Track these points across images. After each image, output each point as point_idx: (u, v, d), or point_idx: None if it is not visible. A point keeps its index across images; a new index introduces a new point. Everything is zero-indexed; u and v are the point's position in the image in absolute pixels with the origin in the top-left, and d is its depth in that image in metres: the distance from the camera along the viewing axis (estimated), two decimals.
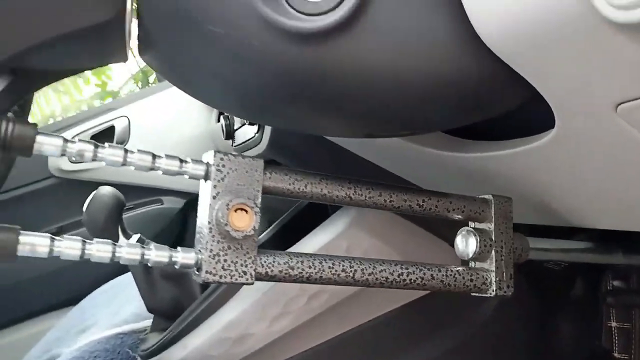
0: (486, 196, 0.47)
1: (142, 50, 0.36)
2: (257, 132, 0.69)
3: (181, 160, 0.37)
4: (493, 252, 0.46)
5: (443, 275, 0.44)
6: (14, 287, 1.28)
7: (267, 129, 0.67)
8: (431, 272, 0.43)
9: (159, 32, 0.34)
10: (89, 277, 1.25)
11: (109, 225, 0.67)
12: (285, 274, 0.38)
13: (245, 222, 0.36)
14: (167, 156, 0.37)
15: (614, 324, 0.75)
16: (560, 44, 0.28)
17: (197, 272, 0.36)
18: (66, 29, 0.32)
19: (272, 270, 0.38)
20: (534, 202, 0.50)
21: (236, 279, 0.36)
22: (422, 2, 0.32)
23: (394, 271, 0.42)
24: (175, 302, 0.72)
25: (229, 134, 0.84)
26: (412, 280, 0.42)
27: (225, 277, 0.36)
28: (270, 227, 0.87)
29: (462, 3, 0.31)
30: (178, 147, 1.36)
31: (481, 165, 0.48)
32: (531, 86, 0.33)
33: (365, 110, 0.36)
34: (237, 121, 0.82)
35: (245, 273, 0.36)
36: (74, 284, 1.29)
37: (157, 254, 0.35)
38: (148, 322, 0.81)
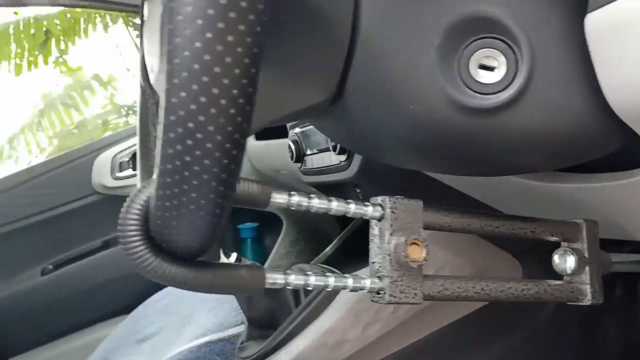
0: (577, 220, 0.56)
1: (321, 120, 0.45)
2: (345, 160, 0.77)
3: (358, 204, 0.45)
4: (587, 267, 0.55)
5: (552, 288, 0.53)
6: (65, 299, 1.34)
7: (357, 157, 0.75)
8: (544, 286, 0.52)
9: (360, 109, 0.42)
10: (136, 288, 1.32)
11: (213, 247, 0.75)
12: (442, 293, 0.47)
13: (418, 253, 0.44)
14: (340, 200, 0.45)
15: None
16: None
17: (378, 295, 0.45)
18: (296, 107, 0.40)
19: (432, 291, 0.46)
20: (613, 223, 0.60)
21: (409, 300, 0.45)
22: (568, 80, 0.41)
23: (518, 288, 0.51)
24: (270, 312, 0.80)
25: (299, 157, 0.92)
26: (531, 294, 0.52)
27: (402, 299, 0.44)
28: (333, 243, 0.96)
29: (598, 80, 0.40)
30: None
31: (570, 194, 0.57)
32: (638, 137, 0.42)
33: (508, 164, 0.45)
34: (308, 147, 0.91)
35: (416, 295, 0.45)
36: (122, 294, 1.36)
37: (352, 281, 0.43)
38: (233, 331, 0.89)
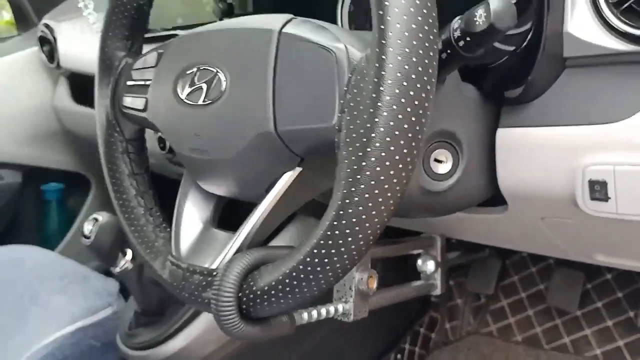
0: (434, 235, 0.80)
1: None
2: None
3: None
4: (439, 269, 0.79)
5: (415, 287, 0.76)
6: None
7: None
8: (410, 287, 0.75)
9: None
10: None
11: (115, 249, 0.79)
12: (374, 306, 0.65)
13: (373, 283, 0.61)
14: None
15: None
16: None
17: (344, 315, 0.60)
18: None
19: (371, 306, 0.64)
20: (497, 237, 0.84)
21: (363, 315, 0.62)
22: (482, 172, 0.61)
23: (397, 290, 0.72)
24: (160, 301, 0.86)
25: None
26: (404, 293, 0.73)
27: (359, 316, 0.61)
28: None
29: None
30: (17, 120, 1.32)
31: (472, 218, 0.79)
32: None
33: (447, 212, 0.64)
34: None
35: (366, 310, 0.62)
36: None
37: (332, 309, 0.58)
38: (102, 314, 0.93)
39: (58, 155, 1.39)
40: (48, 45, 1.27)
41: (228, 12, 0.78)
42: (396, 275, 0.77)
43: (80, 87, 1.27)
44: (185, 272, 0.48)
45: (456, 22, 0.44)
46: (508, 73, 0.56)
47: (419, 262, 0.79)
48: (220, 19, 0.80)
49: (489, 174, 0.61)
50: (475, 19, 0.42)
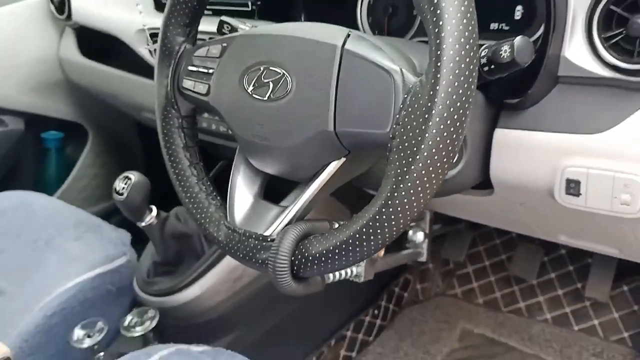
0: (424, 210, 0.91)
1: None
2: None
3: None
4: (426, 240, 0.91)
5: (406, 255, 0.88)
6: None
7: None
8: (402, 255, 0.87)
9: None
10: None
11: (144, 206, 0.88)
12: (378, 268, 0.76)
13: (381, 252, 0.72)
14: None
15: None
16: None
17: (356, 276, 0.72)
18: None
19: (376, 269, 0.75)
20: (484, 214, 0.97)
21: (369, 277, 0.73)
22: (479, 162, 0.72)
23: (392, 257, 0.84)
24: (178, 254, 0.96)
25: None
26: (397, 259, 0.85)
27: (367, 277, 0.72)
28: None
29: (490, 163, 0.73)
30: (21, 69, 1.35)
31: (469, 199, 0.90)
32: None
33: (454, 191, 0.75)
34: None
35: (372, 273, 0.74)
36: None
37: (350, 271, 0.69)
38: (118, 262, 1.02)
39: (59, 104, 1.44)
40: None
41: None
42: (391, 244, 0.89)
43: (89, 41, 1.32)
44: (241, 236, 0.58)
45: (484, 51, 0.54)
46: (511, 85, 0.67)
47: (410, 232, 0.91)
48: (254, 3, 0.88)
49: (484, 165, 0.73)
50: (501, 52, 0.52)
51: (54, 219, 1.12)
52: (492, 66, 0.53)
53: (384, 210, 0.48)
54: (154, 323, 0.88)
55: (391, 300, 1.36)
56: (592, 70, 0.64)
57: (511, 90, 0.67)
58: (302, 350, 0.84)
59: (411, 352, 1.23)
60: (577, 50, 0.64)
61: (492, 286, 1.33)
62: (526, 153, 0.70)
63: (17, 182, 1.39)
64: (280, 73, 0.55)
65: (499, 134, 0.71)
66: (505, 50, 0.52)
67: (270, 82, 0.56)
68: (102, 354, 0.90)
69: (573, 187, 0.68)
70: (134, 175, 0.86)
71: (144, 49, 1.07)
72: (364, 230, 0.49)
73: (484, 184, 0.79)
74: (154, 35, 0.98)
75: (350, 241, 0.50)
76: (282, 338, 0.84)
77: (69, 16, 1.28)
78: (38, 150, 1.45)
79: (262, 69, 0.57)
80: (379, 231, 0.48)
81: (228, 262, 0.95)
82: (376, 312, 1.31)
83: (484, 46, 0.55)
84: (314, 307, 1.15)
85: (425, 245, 0.91)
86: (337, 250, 0.51)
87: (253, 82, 0.57)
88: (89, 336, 0.88)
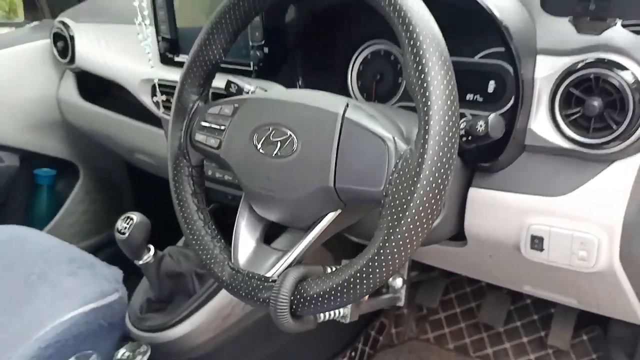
0: None
1: None
2: None
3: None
4: (404, 285, 0.99)
5: (385, 299, 0.95)
6: None
7: None
8: (381, 299, 0.94)
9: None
10: None
11: (144, 245, 0.94)
12: (361, 311, 0.83)
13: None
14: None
15: None
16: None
17: (342, 317, 0.78)
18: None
19: (360, 312, 0.82)
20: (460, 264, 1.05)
21: (354, 319, 0.80)
22: (454, 216, 0.81)
23: (374, 301, 0.91)
24: (172, 293, 1.02)
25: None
26: (377, 303, 0.93)
27: (352, 319, 0.79)
28: None
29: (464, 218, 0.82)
30: (20, 108, 1.41)
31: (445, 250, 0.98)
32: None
33: (430, 242, 0.83)
34: None
35: (354, 315, 0.80)
36: None
37: (340, 312, 0.76)
38: (111, 298, 1.06)
39: (54, 142, 1.50)
40: (62, 42, 1.37)
41: (264, 60, 0.95)
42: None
43: (88, 84, 1.39)
44: (244, 276, 0.65)
45: (462, 124, 0.63)
46: (484, 151, 0.76)
47: (390, 279, 0.98)
48: (256, 64, 0.96)
49: (459, 219, 0.82)
50: (476, 127, 0.61)
51: (47, 254, 1.16)
52: (469, 137, 0.63)
53: (376, 257, 0.55)
54: (146, 357, 0.93)
55: (367, 343, 1.42)
56: (554, 141, 0.73)
57: (484, 156, 0.77)
58: None
59: None
60: (542, 124, 0.74)
61: (463, 332, 1.41)
62: (496, 210, 0.79)
63: (8, 217, 1.43)
64: (287, 134, 0.63)
65: (473, 192, 0.80)
66: (480, 125, 0.61)
67: (279, 142, 0.64)
68: None
69: (537, 242, 0.77)
70: (136, 216, 0.92)
71: (146, 98, 1.15)
72: (358, 274, 0.56)
73: (459, 236, 0.87)
74: (160, 86, 1.05)
75: (346, 284, 0.57)
76: None
77: (72, 60, 1.36)
78: (30, 185, 1.49)
79: (271, 129, 0.65)
80: (371, 276, 0.56)
81: (218, 301, 1.01)
82: (353, 354, 1.37)
83: (462, 120, 0.64)
84: (297, 348, 1.20)
85: (404, 290, 0.98)
86: (333, 292, 0.58)
87: (262, 140, 0.65)
88: None
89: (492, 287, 1.42)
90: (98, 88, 1.36)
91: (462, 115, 0.82)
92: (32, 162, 1.48)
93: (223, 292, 1.02)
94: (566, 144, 0.72)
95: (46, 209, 1.49)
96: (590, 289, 0.86)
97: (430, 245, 0.90)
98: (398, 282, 0.98)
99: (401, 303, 0.99)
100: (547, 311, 1.35)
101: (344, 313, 0.78)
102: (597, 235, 0.73)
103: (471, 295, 1.45)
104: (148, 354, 0.93)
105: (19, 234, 1.22)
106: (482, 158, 0.77)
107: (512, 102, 0.77)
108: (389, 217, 0.55)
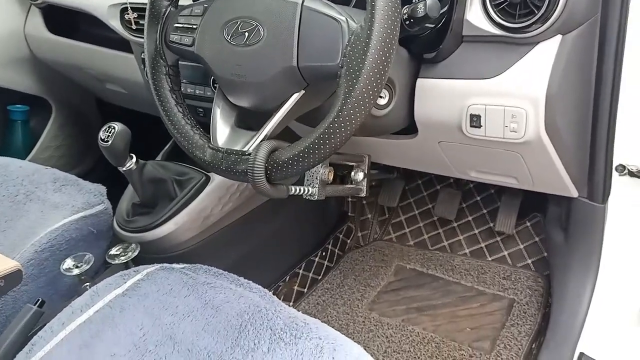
0: (364, 154, 1.10)
1: None
2: None
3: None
4: (365, 178, 1.10)
5: (349, 189, 1.07)
6: None
7: None
8: (346, 189, 1.06)
9: None
10: None
11: (126, 152, 1.02)
12: (328, 193, 0.95)
13: (331, 175, 0.90)
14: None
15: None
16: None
17: (310, 195, 0.89)
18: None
19: (327, 193, 0.94)
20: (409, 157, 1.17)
21: (321, 197, 0.91)
22: (404, 105, 0.92)
23: (338, 188, 1.03)
24: (154, 196, 1.11)
25: None
26: (342, 190, 1.04)
27: (319, 197, 0.90)
28: (169, 144, 1.28)
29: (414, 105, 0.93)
30: None
31: (396, 143, 1.09)
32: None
33: (381, 132, 0.94)
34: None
35: (322, 194, 0.92)
36: None
37: (305, 189, 0.87)
38: (98, 208, 1.15)
39: (24, 78, 1.53)
40: None
41: None
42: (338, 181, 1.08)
43: (55, 18, 1.43)
44: (224, 153, 0.75)
45: (405, 9, 0.73)
46: (427, 42, 0.87)
47: (353, 172, 1.10)
48: None
49: (409, 108, 0.93)
50: (417, 9, 0.72)
51: (31, 177, 1.23)
52: (412, 20, 0.73)
53: (336, 120, 0.66)
54: (136, 253, 1.02)
55: (336, 245, 1.55)
56: (487, 29, 0.84)
57: (427, 46, 0.87)
58: (261, 284, 1.00)
59: (354, 286, 1.42)
60: (476, 14, 0.84)
61: (422, 230, 1.55)
62: (441, 96, 0.91)
63: None
64: (254, 24, 0.72)
65: (420, 82, 0.91)
66: (420, 8, 0.71)
67: (246, 32, 0.73)
68: (88, 284, 1.04)
69: (475, 120, 0.89)
70: (117, 125, 1.00)
71: (115, 23, 1.21)
72: (321, 137, 0.67)
73: (410, 129, 0.99)
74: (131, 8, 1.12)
75: (312, 146, 0.68)
76: (244, 273, 0.99)
77: None
78: (4, 121, 1.54)
79: (239, 22, 0.74)
80: (332, 136, 0.67)
81: (198, 203, 1.11)
82: (324, 254, 1.50)
83: (405, 6, 0.74)
84: (272, 247, 1.32)
85: (365, 183, 1.10)
86: (302, 155, 0.69)
87: (232, 32, 0.74)
88: (77, 267, 1.01)
89: (445, 185, 1.56)
90: (65, 20, 1.39)
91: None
92: (4, 99, 1.52)
93: (202, 195, 1.12)
94: (497, 31, 0.83)
95: (22, 144, 1.55)
96: (525, 164, 0.99)
97: (385, 135, 1.01)
98: (360, 175, 1.09)
99: (363, 193, 1.10)
100: (494, 205, 1.50)
101: (312, 191, 0.89)
102: (524, 107, 0.84)
103: (428, 198, 1.60)
104: (137, 250, 1.03)
105: (1, 162, 1.28)
106: (426, 49, 0.88)
107: None
108: (345, 85, 0.65)
